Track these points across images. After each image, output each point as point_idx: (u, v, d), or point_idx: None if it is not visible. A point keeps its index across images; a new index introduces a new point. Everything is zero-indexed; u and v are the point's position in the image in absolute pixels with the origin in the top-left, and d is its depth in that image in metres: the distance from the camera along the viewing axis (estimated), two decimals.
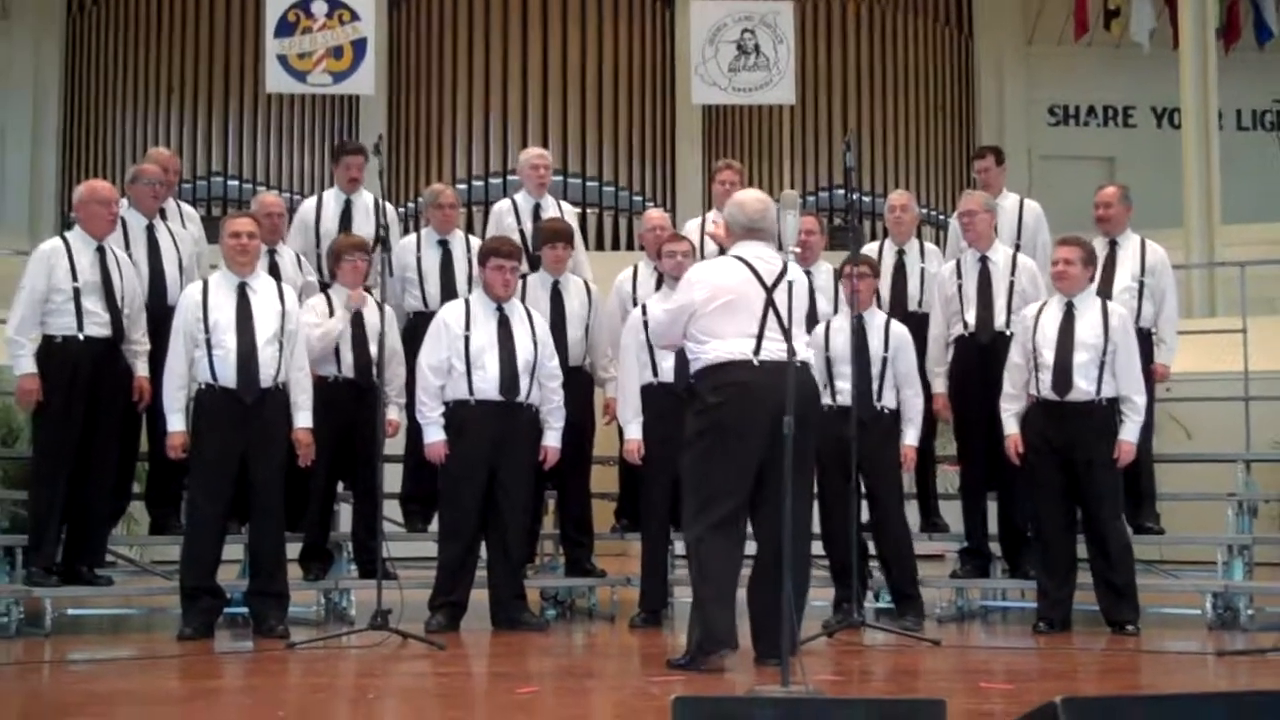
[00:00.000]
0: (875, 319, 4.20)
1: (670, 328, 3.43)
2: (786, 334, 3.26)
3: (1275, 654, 3.59)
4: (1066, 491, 4.07)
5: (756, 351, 3.26)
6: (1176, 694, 2.37)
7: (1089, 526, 4.09)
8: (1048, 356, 4.05)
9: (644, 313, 4.15)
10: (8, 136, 9.01)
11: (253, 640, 3.86)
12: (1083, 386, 4.01)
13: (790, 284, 3.33)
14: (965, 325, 4.43)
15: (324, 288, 4.45)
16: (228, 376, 3.82)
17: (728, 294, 3.30)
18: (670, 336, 3.49)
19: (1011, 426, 4.15)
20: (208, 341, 3.82)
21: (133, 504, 4.59)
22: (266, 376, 3.86)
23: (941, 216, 9.52)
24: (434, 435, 4.05)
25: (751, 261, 3.34)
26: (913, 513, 4.72)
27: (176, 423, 3.90)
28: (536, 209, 4.86)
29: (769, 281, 3.31)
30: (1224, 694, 2.33)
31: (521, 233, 4.72)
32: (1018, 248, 4.68)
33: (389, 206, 4.43)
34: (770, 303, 3.29)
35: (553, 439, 4.14)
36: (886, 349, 4.16)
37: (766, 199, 3.47)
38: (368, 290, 4.48)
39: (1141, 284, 4.46)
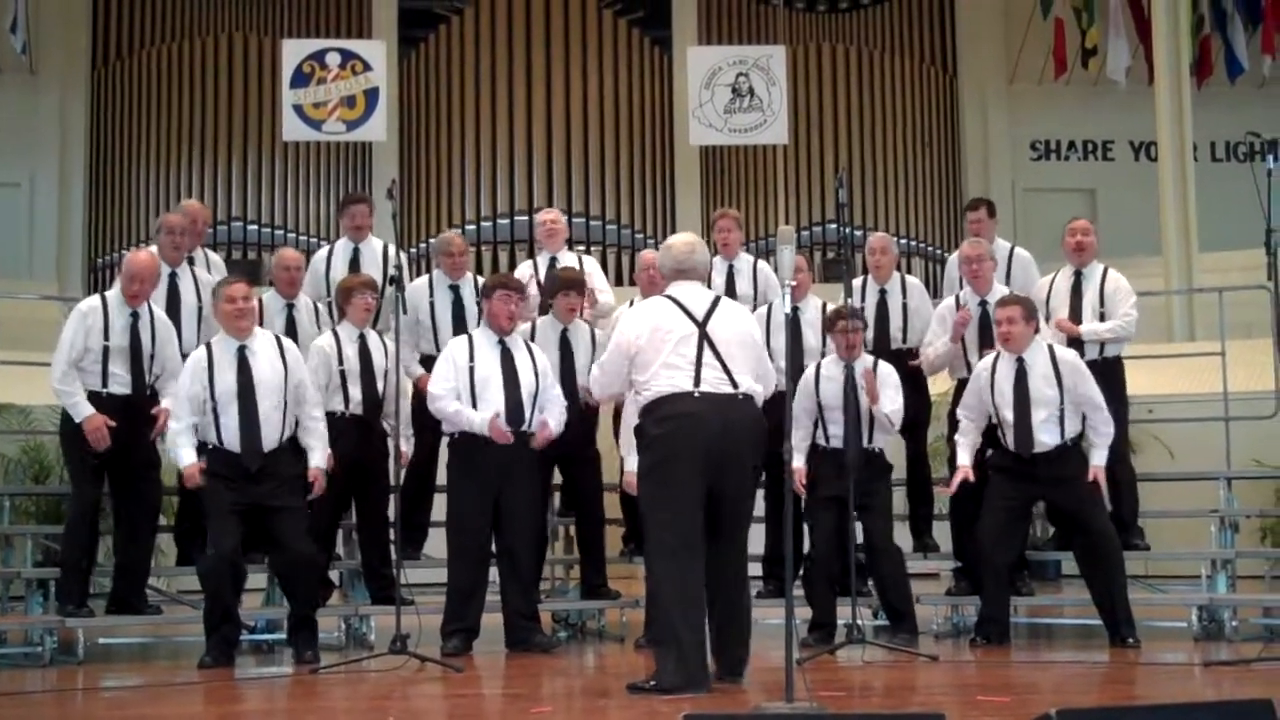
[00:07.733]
0: (862, 365, 4.35)
1: (612, 376, 3.46)
2: (725, 366, 3.32)
3: (1259, 663, 3.66)
4: (1017, 511, 4.19)
5: (696, 383, 3.31)
6: (1166, 703, 2.43)
7: (1085, 542, 4.17)
8: (1008, 415, 4.17)
9: None
10: (36, 186, 9.09)
11: (277, 665, 3.94)
12: (1046, 440, 4.14)
13: (724, 315, 3.37)
14: (968, 366, 4.58)
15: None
16: (232, 442, 3.93)
17: (663, 331, 3.35)
18: (612, 386, 3.52)
19: (963, 458, 4.28)
20: (214, 409, 3.92)
21: (160, 537, 4.68)
22: (270, 440, 3.96)
23: (930, 249, 9.72)
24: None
25: (680, 299, 3.40)
26: (906, 534, 4.84)
27: (188, 456, 3.94)
28: (552, 262, 5.01)
29: (699, 316, 3.37)
30: (1211, 703, 2.41)
31: (539, 283, 4.85)
32: None
33: (398, 251, 4.48)
34: (704, 336, 3.34)
35: (550, 421, 4.14)
36: None
37: (694, 241, 3.53)
38: (376, 332, 4.63)
39: (1102, 315, 4.64)
